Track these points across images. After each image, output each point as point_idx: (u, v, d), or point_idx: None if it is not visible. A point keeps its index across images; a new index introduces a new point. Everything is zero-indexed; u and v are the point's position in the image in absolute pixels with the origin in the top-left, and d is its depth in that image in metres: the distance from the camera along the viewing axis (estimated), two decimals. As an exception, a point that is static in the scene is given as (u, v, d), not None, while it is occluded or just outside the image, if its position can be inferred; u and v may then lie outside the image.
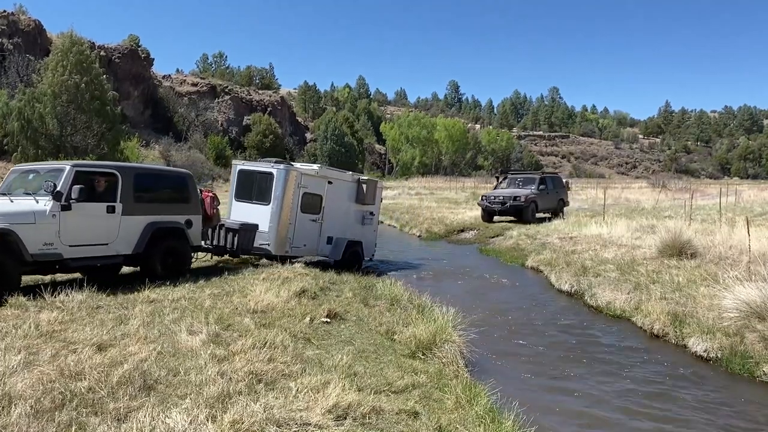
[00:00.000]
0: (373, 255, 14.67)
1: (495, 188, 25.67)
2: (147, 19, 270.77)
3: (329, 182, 12.97)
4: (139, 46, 64.65)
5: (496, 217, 23.12)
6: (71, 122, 32.62)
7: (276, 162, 12.52)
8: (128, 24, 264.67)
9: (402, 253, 17.88)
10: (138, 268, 10.02)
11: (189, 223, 10.29)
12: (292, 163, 12.88)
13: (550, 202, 24.38)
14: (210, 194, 11.34)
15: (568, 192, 27.56)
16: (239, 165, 13.23)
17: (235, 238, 11.50)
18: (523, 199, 22.41)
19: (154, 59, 67.24)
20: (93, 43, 51.41)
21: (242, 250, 11.73)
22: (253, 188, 12.55)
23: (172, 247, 10.01)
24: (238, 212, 12.57)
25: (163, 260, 9.81)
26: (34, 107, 31.55)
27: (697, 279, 10.13)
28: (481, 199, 24.06)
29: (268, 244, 11.99)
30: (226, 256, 12.33)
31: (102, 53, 52.98)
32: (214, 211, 11.25)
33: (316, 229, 12.77)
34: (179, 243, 10.15)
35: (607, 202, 25.54)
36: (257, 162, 14.00)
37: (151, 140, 50.80)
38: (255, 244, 11.89)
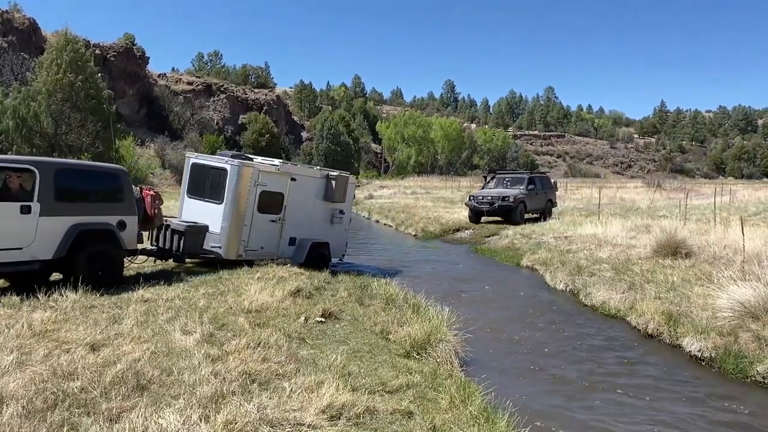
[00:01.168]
0: (343, 255, 13.85)
1: (483, 188, 25.04)
2: (142, 17, 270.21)
3: (292, 179, 12.01)
4: (134, 45, 64.49)
5: (483, 218, 22.76)
6: (66, 121, 32.52)
7: (232, 156, 11.59)
8: (123, 22, 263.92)
9: (397, 253, 17.88)
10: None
11: (122, 225, 9.35)
12: (252, 158, 12.20)
13: (538, 202, 23.94)
14: (151, 193, 10.40)
15: (556, 192, 27.07)
16: (192, 158, 12.25)
17: (181, 241, 10.64)
18: (511, 200, 21.97)
19: (149, 58, 67.18)
20: (88, 41, 51.23)
21: (189, 254, 10.91)
22: (206, 184, 11.63)
23: (101, 251, 9.03)
24: (189, 210, 11.79)
25: (89, 266, 8.81)
26: (29, 105, 31.43)
27: (692, 278, 10.16)
28: (469, 199, 23.54)
29: (219, 247, 11.06)
30: (171, 261, 11.32)
31: (97, 52, 52.76)
32: (156, 211, 10.34)
33: (275, 230, 11.86)
34: (109, 247, 9.17)
35: (602, 202, 25.60)
36: (212, 155, 12.88)
37: (147, 139, 50.66)
38: (205, 247, 11.03)
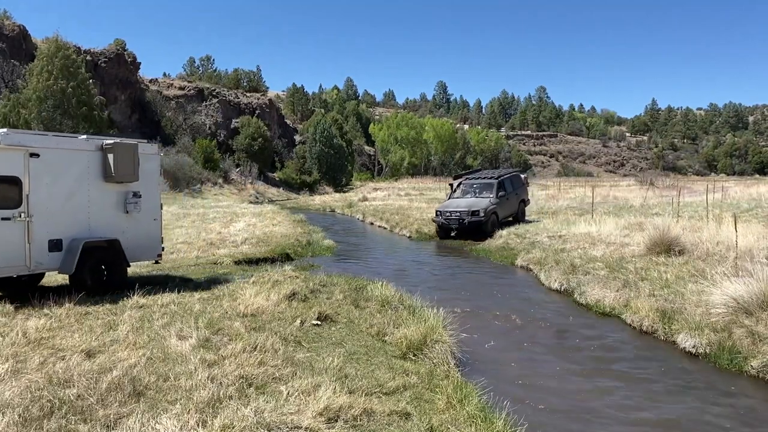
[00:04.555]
0: (160, 255, 10.64)
1: (449, 197, 22.97)
2: (133, 23, 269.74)
3: (33, 155, 8.64)
4: (126, 50, 64.19)
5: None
6: (57, 128, 32.39)
7: None
8: (114, 28, 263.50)
9: (392, 254, 17.89)
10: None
11: None
12: None
13: (510, 207, 22.11)
14: None
15: (528, 188, 25.19)
16: None
17: None
18: (482, 214, 19.88)
19: (140, 63, 66.85)
20: (78, 47, 51.03)
21: None
22: None
23: None
24: None
25: None
26: (19, 113, 31.32)
27: (685, 275, 10.21)
28: (436, 215, 21.35)
29: None
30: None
31: (88, 58, 52.58)
32: None
33: (15, 233, 8.46)
34: None
35: (595, 201, 25.68)
36: None
37: (139, 144, 50.45)
38: None
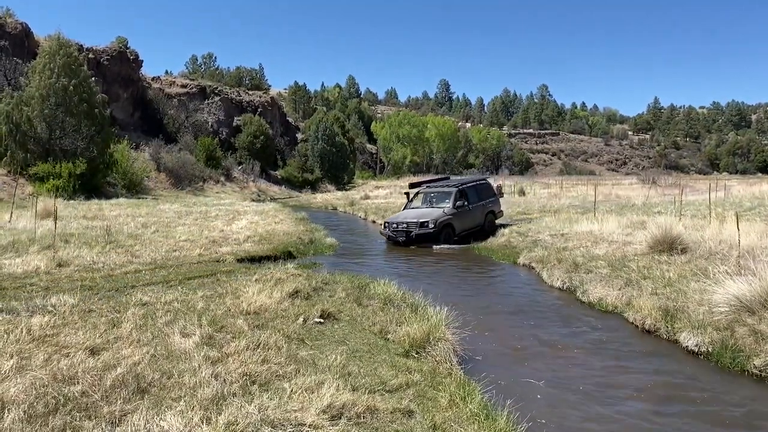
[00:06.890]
0: None
1: (405, 207, 20.93)
2: (135, 21, 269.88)
3: None
4: (128, 48, 64.19)
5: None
6: (60, 125, 32.43)
7: None
8: (116, 26, 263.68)
9: (393, 252, 17.89)
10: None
11: None
12: None
13: (472, 219, 19.77)
14: None
15: (501, 199, 22.58)
16: None
17: None
18: (431, 225, 18.02)
19: (143, 61, 66.84)
20: (81, 45, 51.07)
21: None
22: None
23: None
24: None
25: None
26: (22, 111, 31.34)
27: (688, 274, 10.19)
28: (384, 227, 19.39)
29: None
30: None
31: (90, 55, 52.63)
32: None
33: None
34: None
35: (597, 199, 25.63)
36: None
37: (141, 142, 50.49)
38: None
